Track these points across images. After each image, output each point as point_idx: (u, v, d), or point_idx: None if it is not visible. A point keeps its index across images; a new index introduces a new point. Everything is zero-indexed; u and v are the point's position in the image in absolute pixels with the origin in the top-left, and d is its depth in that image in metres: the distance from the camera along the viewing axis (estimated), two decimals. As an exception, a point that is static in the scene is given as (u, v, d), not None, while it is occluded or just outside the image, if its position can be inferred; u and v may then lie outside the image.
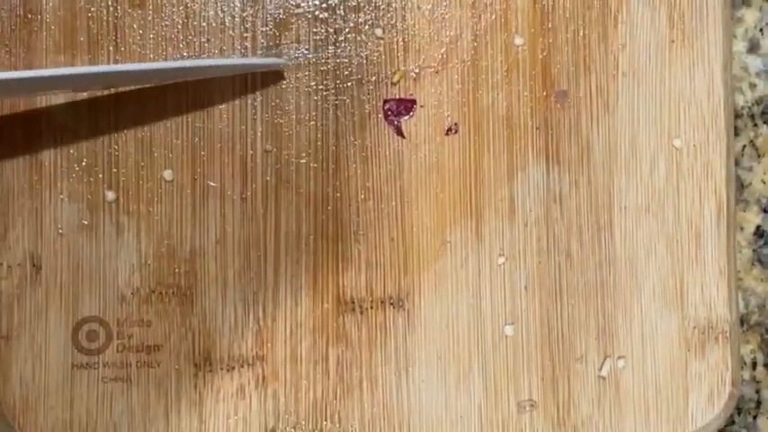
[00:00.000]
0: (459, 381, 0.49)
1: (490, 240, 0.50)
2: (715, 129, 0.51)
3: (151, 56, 0.48)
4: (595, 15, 0.50)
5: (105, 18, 0.48)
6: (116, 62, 0.48)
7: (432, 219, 0.49)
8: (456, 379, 0.49)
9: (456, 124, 0.50)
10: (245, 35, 0.49)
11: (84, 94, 0.48)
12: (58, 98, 0.48)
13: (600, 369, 0.50)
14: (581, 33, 0.50)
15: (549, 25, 0.50)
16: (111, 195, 0.48)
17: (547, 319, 0.50)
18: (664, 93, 0.50)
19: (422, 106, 0.50)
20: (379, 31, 0.49)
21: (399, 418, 0.49)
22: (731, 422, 0.52)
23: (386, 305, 0.49)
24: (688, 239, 0.50)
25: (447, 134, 0.50)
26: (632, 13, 0.50)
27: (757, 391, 0.52)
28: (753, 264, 0.53)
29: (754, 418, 0.52)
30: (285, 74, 0.49)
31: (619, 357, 0.50)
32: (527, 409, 0.49)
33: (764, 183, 0.53)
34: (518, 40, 0.50)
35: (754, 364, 0.52)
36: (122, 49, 0.48)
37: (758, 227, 0.53)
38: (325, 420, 0.48)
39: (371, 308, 0.49)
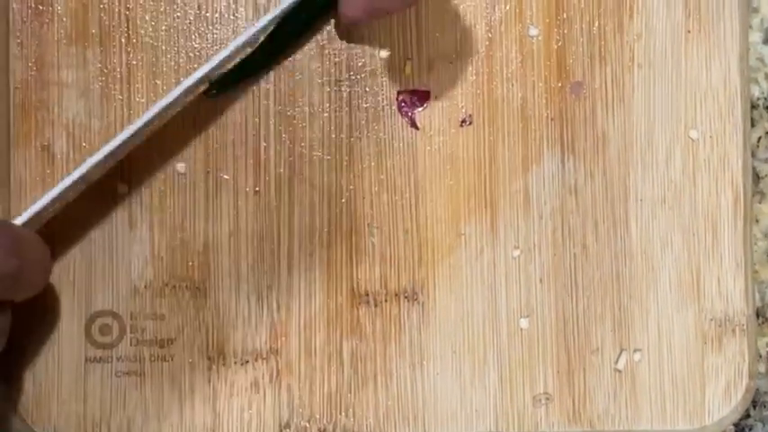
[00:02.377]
0: (474, 374, 0.49)
1: (505, 233, 0.49)
2: (731, 120, 0.50)
3: (163, 47, 0.48)
4: (611, 6, 0.50)
5: (117, 10, 0.48)
6: (127, 54, 0.48)
7: (446, 211, 0.49)
8: (471, 372, 0.49)
9: (470, 116, 0.49)
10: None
11: (97, 86, 0.48)
12: (69, 89, 0.48)
13: (616, 362, 0.49)
14: (596, 24, 0.50)
15: (564, 16, 0.50)
16: (123, 188, 0.48)
17: (562, 311, 0.49)
18: (680, 84, 0.50)
19: (436, 98, 0.49)
20: (392, 22, 0.49)
21: (414, 411, 0.48)
22: (747, 415, 0.51)
23: (400, 298, 0.49)
24: (704, 231, 0.50)
25: (461, 126, 0.49)
26: (648, 3, 0.50)
27: (773, 385, 0.52)
28: (768, 256, 0.52)
29: (770, 411, 0.52)
30: (298, 65, 0.48)
31: (635, 350, 0.49)
32: (542, 402, 0.49)
33: (780, 174, 0.53)
34: (533, 31, 0.50)
35: (770, 357, 0.52)
36: (134, 41, 0.48)
37: (774, 219, 0.52)
38: (340, 414, 0.48)
39: (386, 301, 0.49)
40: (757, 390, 0.51)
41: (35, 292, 0.43)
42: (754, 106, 0.52)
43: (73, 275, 0.47)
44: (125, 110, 0.48)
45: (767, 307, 0.52)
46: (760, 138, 0.52)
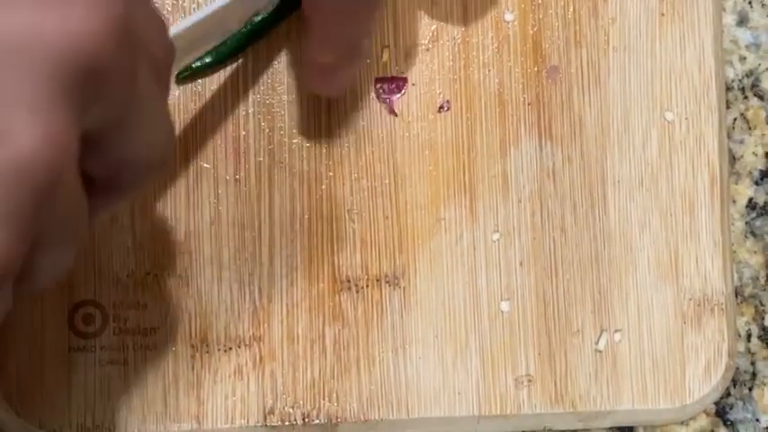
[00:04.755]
0: (457, 357, 0.49)
1: (484, 217, 0.50)
2: (707, 101, 0.51)
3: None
4: (585, -10, 0.50)
5: (95, 1, 0.48)
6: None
7: (425, 196, 0.49)
8: (453, 356, 0.49)
9: (448, 101, 0.50)
10: (236, 16, 0.49)
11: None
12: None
13: (596, 343, 0.50)
14: (571, 8, 0.50)
15: (539, 1, 0.50)
16: (104, 178, 0.48)
17: (543, 294, 0.50)
18: (655, 66, 0.50)
19: (413, 84, 0.50)
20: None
21: (397, 395, 0.49)
22: (727, 394, 0.52)
23: (381, 283, 0.49)
24: (682, 212, 0.50)
25: (439, 111, 0.50)
26: (622, -13, 0.50)
27: (752, 363, 0.52)
28: (746, 236, 0.53)
29: (750, 389, 0.52)
30: (276, 54, 0.49)
31: (615, 331, 0.50)
32: (525, 384, 0.49)
33: (756, 155, 0.53)
34: (508, 16, 0.50)
35: (749, 336, 0.52)
36: (113, 32, 0.48)
37: (750, 199, 0.53)
38: (323, 399, 0.48)
39: (367, 286, 0.49)
40: (737, 369, 0.52)
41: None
42: (728, 88, 0.53)
43: (55, 266, 0.47)
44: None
45: (745, 286, 0.52)
46: (735, 119, 0.53)
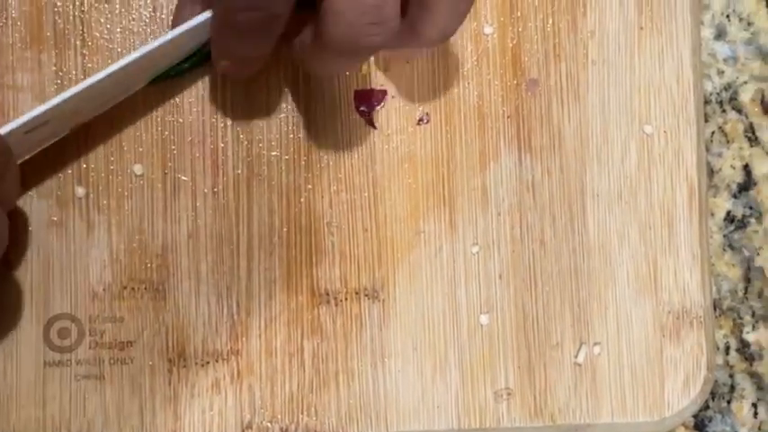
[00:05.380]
0: (436, 371, 0.49)
1: (464, 230, 0.49)
2: (685, 114, 0.51)
3: (119, 50, 0.48)
4: (564, 3, 0.50)
5: (72, 12, 0.48)
6: (82, 57, 0.48)
7: (405, 209, 0.49)
8: (432, 369, 0.49)
9: (427, 114, 0.50)
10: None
11: (53, 89, 0.48)
12: (25, 93, 0.47)
13: (576, 356, 0.50)
14: (550, 21, 0.50)
15: (519, 14, 0.50)
16: (80, 191, 0.47)
17: (522, 307, 0.50)
18: (634, 79, 0.51)
19: (393, 97, 0.50)
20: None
21: (376, 409, 0.49)
22: (705, 407, 0.52)
23: (360, 296, 0.49)
24: (661, 225, 0.50)
25: (418, 124, 0.50)
26: (601, 0, 0.50)
27: (731, 376, 0.53)
28: (724, 249, 0.53)
29: (728, 402, 0.53)
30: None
31: (594, 344, 0.50)
32: (504, 397, 0.49)
33: (734, 168, 0.53)
34: (488, 29, 0.50)
35: (728, 349, 0.53)
36: (89, 43, 0.48)
37: (728, 212, 0.53)
38: (302, 413, 0.48)
39: (346, 299, 0.49)
40: (716, 381, 0.52)
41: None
42: (706, 101, 0.53)
43: (30, 279, 0.47)
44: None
45: (723, 299, 0.53)
46: (713, 132, 0.53)
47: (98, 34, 0.48)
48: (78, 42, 0.48)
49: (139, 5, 0.48)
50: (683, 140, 0.51)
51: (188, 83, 0.48)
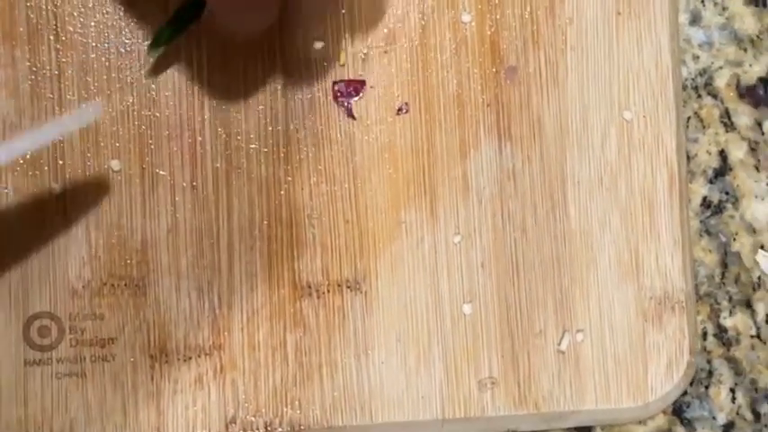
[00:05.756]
0: (420, 361, 0.49)
1: (445, 219, 0.49)
2: (664, 100, 0.51)
3: (93, 44, 0.47)
4: (542, -10, 0.50)
5: (44, 7, 0.47)
6: (56, 52, 0.47)
7: (386, 199, 0.49)
8: (416, 360, 0.49)
9: (406, 104, 0.49)
10: (190, 20, 0.48)
11: (27, 85, 0.47)
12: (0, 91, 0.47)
13: (559, 344, 0.50)
14: (528, 9, 0.50)
15: (496, 1, 0.50)
16: (57, 187, 0.47)
17: (504, 295, 0.49)
18: (612, 65, 0.50)
19: (371, 87, 0.49)
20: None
21: (360, 401, 0.48)
22: (684, 393, 0.52)
23: (343, 288, 0.49)
24: (641, 211, 0.51)
25: (398, 114, 0.49)
26: (578, -14, 0.50)
27: (708, 362, 0.53)
28: (701, 235, 0.53)
29: (706, 387, 0.53)
30: (232, 58, 0.48)
31: (577, 331, 0.50)
32: (488, 386, 0.49)
33: (710, 154, 0.53)
34: (465, 18, 0.50)
35: (705, 335, 0.53)
36: (63, 38, 0.47)
37: (705, 198, 0.53)
38: (286, 407, 0.48)
39: (328, 292, 0.48)
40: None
41: None
42: (683, 87, 0.53)
43: (9, 278, 0.46)
44: (56, 108, 0.47)
45: (701, 285, 0.53)
46: (689, 118, 0.53)
47: (71, 29, 0.47)
48: (52, 37, 0.47)
49: (113, -1, 0.48)
50: (662, 126, 0.51)
51: (163, 76, 0.48)
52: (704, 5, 0.53)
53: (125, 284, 0.47)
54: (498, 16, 0.50)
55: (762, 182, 0.53)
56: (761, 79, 0.54)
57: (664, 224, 0.50)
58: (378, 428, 0.48)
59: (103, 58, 0.48)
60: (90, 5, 0.47)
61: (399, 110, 0.49)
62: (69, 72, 0.47)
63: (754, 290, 0.53)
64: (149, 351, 0.47)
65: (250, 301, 0.48)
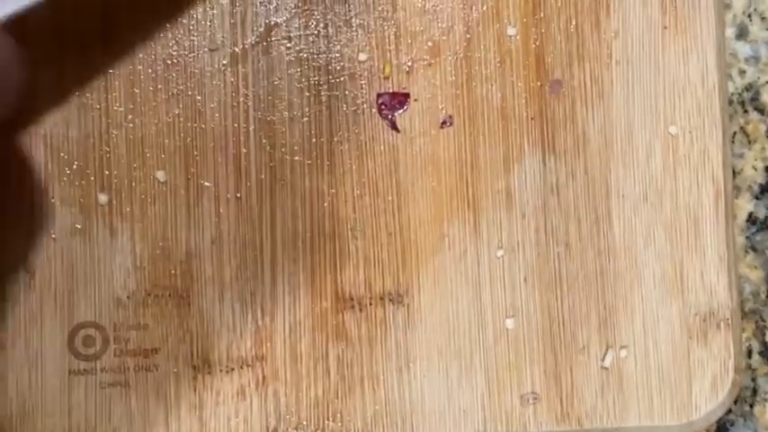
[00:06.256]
0: (461, 375, 0.49)
1: (488, 233, 0.49)
2: (710, 115, 0.50)
3: (140, 55, 0.48)
4: (587, 4, 0.50)
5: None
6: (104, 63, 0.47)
7: (429, 212, 0.49)
8: (458, 373, 0.49)
9: (450, 117, 0.49)
10: (235, 30, 0.48)
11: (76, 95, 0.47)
12: (48, 101, 0.47)
13: (602, 359, 0.49)
14: (573, 22, 0.50)
15: (542, 15, 0.50)
16: (103, 198, 0.47)
17: (548, 310, 0.49)
18: (658, 80, 0.50)
19: (415, 100, 0.49)
20: (370, 25, 0.49)
21: (402, 414, 0.48)
22: (728, 411, 0.51)
23: (385, 301, 0.48)
24: (687, 227, 0.50)
25: (442, 127, 0.49)
26: (624, 0, 0.50)
27: (753, 379, 0.52)
28: (746, 251, 0.52)
29: (751, 406, 0.52)
30: (277, 70, 0.48)
31: (621, 347, 0.49)
32: (530, 401, 0.49)
33: (756, 169, 0.53)
34: (510, 31, 0.50)
35: (750, 352, 0.52)
36: (111, 49, 0.48)
37: (750, 213, 0.53)
38: (328, 419, 0.48)
39: (371, 304, 0.48)
40: (741, 384, 0.52)
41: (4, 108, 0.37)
42: (729, 102, 0.52)
43: (54, 287, 0.47)
44: (103, 119, 0.47)
45: (746, 302, 0.52)
46: (735, 133, 0.53)
47: (119, 40, 0.48)
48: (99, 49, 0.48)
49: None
50: (707, 141, 0.50)
51: (209, 87, 0.48)
52: (751, 20, 0.53)
53: (169, 295, 0.47)
54: (543, 30, 0.50)
55: (809, 198, 0.53)
56: (808, 94, 0.53)
57: (709, 240, 0.50)
58: (419, 442, 0.48)
59: (150, 70, 0.48)
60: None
61: (443, 123, 0.49)
62: (116, 83, 0.48)
63: (800, 307, 0.52)
64: (192, 362, 0.47)
65: (293, 312, 0.48)
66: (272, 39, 0.48)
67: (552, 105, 0.50)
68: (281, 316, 0.48)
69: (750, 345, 0.52)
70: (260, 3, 0.48)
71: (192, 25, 0.48)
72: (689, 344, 0.50)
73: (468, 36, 0.49)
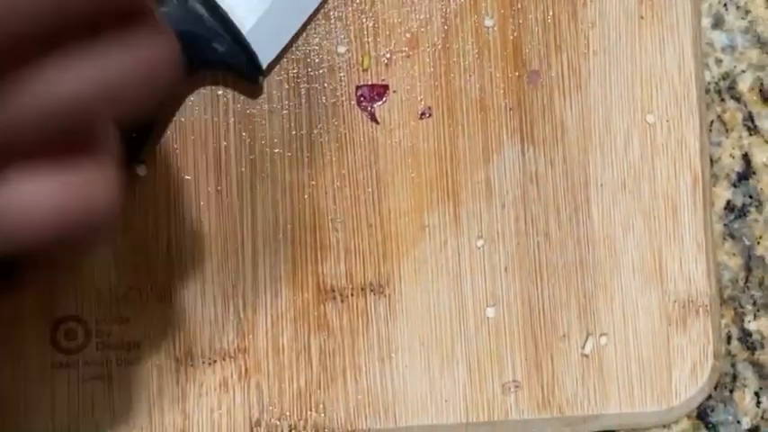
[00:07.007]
0: (443, 365, 0.49)
1: (468, 223, 0.49)
2: (687, 103, 0.51)
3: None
4: (564, -6, 0.50)
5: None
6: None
7: (409, 203, 0.49)
8: (439, 363, 0.49)
9: (429, 108, 0.50)
10: (214, 25, 0.48)
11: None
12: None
13: (583, 347, 0.50)
14: (551, 13, 0.50)
15: (519, 6, 0.50)
16: (84, 192, 0.47)
17: (528, 299, 0.50)
18: (635, 69, 0.51)
19: (394, 91, 0.49)
20: (348, 17, 0.49)
21: (384, 404, 0.49)
22: (708, 397, 0.52)
23: (366, 292, 0.49)
24: (665, 215, 0.50)
25: (421, 118, 0.50)
26: (601, -10, 0.50)
27: (733, 365, 0.53)
28: (724, 238, 0.53)
29: (731, 392, 0.52)
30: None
31: (601, 335, 0.50)
32: (512, 390, 0.49)
33: (733, 157, 0.53)
34: (488, 22, 0.50)
35: (729, 339, 0.53)
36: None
37: (728, 201, 0.53)
38: (310, 410, 0.48)
39: (352, 295, 0.49)
40: (721, 370, 0.52)
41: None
42: (705, 91, 0.53)
43: (36, 281, 0.47)
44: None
45: (725, 289, 0.53)
46: (712, 121, 0.53)
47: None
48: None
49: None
50: (685, 129, 0.51)
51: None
52: (726, 9, 0.53)
53: (150, 288, 0.48)
54: (521, 21, 0.50)
55: (786, 185, 0.53)
56: (784, 82, 0.54)
57: (687, 228, 0.50)
58: (401, 431, 0.49)
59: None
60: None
61: (422, 114, 0.49)
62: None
63: (778, 293, 0.53)
64: (175, 354, 0.47)
65: (274, 304, 0.48)
66: (251, 32, 0.48)
67: (530, 96, 0.50)
68: (262, 308, 0.48)
69: (729, 331, 0.53)
70: (238, -4, 0.48)
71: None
72: (668, 331, 0.50)
73: (446, 28, 0.50)
